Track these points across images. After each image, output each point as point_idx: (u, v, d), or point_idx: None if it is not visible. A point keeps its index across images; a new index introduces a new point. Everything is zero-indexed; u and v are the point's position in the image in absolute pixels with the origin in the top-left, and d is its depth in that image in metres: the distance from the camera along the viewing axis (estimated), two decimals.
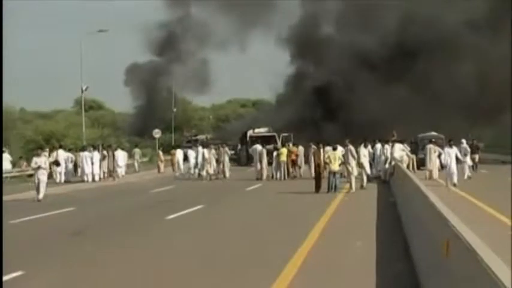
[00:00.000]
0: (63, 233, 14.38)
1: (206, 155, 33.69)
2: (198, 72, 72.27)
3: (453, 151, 25.82)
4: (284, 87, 66.84)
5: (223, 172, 34.23)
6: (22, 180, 32.15)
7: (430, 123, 42.26)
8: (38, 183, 23.17)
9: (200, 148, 34.82)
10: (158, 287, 8.98)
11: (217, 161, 34.24)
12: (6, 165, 32.29)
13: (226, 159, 34.85)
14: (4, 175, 30.31)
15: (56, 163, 32.46)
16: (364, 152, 26.24)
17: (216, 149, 34.72)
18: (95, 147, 34.98)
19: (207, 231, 14.76)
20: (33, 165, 24.02)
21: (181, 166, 38.37)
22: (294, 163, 33.01)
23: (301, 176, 32.23)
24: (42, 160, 23.90)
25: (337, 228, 14.66)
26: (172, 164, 40.60)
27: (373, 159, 29.21)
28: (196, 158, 34.63)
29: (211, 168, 33.83)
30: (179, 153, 39.34)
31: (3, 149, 35.59)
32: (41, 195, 23.05)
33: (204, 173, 33.63)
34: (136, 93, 75.46)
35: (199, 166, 34.32)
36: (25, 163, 35.16)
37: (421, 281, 8.09)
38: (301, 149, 33.90)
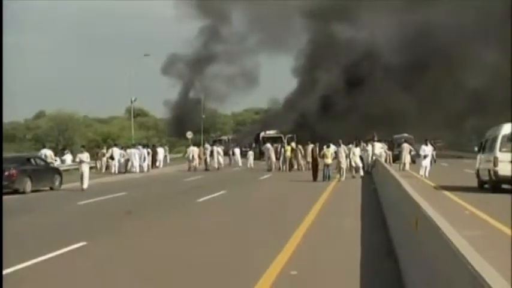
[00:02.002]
0: (118, 212, 14.42)
1: (196, 152, 34.54)
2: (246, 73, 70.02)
3: (428, 148, 25.57)
4: (291, 95, 64.75)
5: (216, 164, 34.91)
6: None
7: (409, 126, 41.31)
8: (82, 175, 21.67)
9: (191, 147, 35.83)
10: (189, 256, 8.98)
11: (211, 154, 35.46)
12: (68, 161, 32.39)
13: (215, 155, 35.35)
14: (67, 168, 30.19)
15: (111, 158, 32.87)
16: (355, 150, 26.15)
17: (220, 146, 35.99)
18: (144, 146, 35.17)
19: (230, 210, 14.84)
20: (77, 160, 23.07)
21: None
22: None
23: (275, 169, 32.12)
24: (85, 156, 22.46)
25: (331, 207, 14.73)
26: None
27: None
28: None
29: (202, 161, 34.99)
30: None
31: (66, 150, 35.80)
32: (85, 185, 21.41)
33: (194, 164, 34.19)
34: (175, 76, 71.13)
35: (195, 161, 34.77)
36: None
37: (395, 249, 8.08)
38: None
